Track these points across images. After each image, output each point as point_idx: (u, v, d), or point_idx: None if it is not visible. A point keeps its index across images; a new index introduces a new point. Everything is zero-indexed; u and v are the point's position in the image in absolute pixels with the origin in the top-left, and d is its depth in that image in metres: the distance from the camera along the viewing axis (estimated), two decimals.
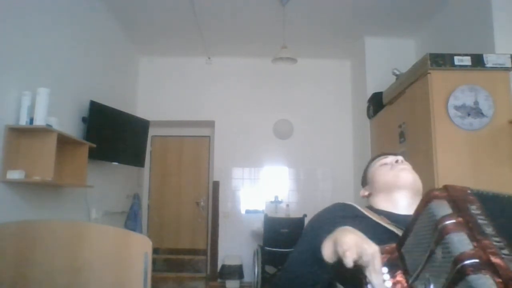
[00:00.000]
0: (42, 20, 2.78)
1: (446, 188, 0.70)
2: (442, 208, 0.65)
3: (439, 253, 0.61)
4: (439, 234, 0.61)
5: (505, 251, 0.56)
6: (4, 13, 2.36)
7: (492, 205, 0.66)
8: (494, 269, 0.53)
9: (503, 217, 0.64)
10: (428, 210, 0.68)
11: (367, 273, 0.66)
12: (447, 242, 0.59)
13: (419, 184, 1.04)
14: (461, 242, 0.58)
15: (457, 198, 0.66)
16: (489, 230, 0.60)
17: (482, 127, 2.62)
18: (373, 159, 1.17)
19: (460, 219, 0.62)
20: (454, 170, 2.58)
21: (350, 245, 0.68)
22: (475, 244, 0.57)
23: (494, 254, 0.55)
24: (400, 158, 1.10)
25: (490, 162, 2.59)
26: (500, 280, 0.52)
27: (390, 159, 1.10)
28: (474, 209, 0.64)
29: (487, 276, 0.53)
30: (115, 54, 4.31)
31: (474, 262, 0.54)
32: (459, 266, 0.55)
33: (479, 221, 0.62)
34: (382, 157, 1.14)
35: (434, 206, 0.67)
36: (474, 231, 0.59)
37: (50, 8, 2.89)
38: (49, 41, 2.88)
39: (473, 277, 0.53)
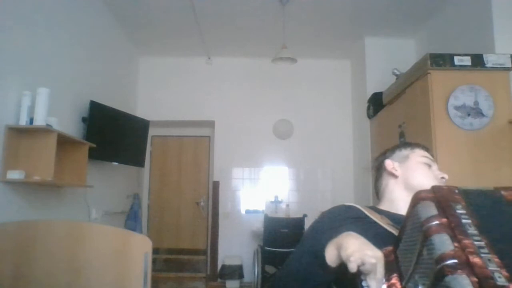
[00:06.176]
0: (42, 21, 2.78)
1: (432, 189, 0.71)
2: (428, 209, 0.66)
3: (425, 254, 0.61)
4: (424, 236, 0.62)
5: (485, 250, 0.57)
6: (4, 13, 2.36)
7: (478, 203, 0.67)
8: (471, 269, 0.54)
9: (488, 214, 0.65)
10: (415, 212, 0.69)
11: (368, 279, 0.66)
12: (431, 243, 0.60)
13: None
14: (442, 243, 0.59)
15: (442, 199, 0.67)
16: (471, 229, 0.61)
17: (482, 127, 2.62)
18: (414, 145, 1.12)
19: (444, 220, 0.62)
20: (454, 170, 2.56)
21: (354, 250, 0.68)
22: (456, 244, 0.58)
23: (473, 253, 0.56)
24: (439, 169, 1.07)
25: (490, 162, 2.59)
26: (475, 279, 0.52)
27: (434, 166, 1.07)
28: (459, 209, 0.65)
29: (463, 276, 0.53)
30: (115, 54, 4.31)
31: (453, 262, 0.55)
32: (439, 266, 0.56)
33: (463, 221, 0.62)
34: (424, 150, 1.10)
35: (421, 208, 0.68)
36: (456, 232, 0.60)
37: (50, 9, 2.89)
38: (49, 41, 2.88)
39: (450, 277, 0.54)
